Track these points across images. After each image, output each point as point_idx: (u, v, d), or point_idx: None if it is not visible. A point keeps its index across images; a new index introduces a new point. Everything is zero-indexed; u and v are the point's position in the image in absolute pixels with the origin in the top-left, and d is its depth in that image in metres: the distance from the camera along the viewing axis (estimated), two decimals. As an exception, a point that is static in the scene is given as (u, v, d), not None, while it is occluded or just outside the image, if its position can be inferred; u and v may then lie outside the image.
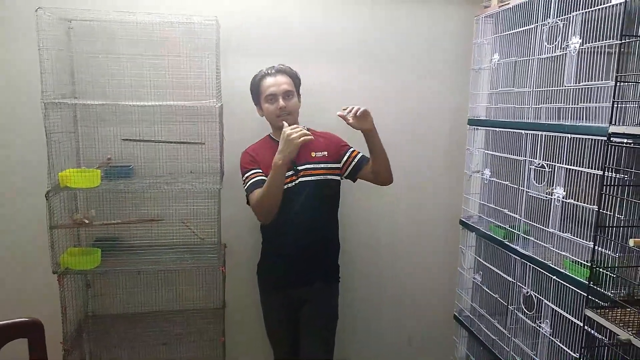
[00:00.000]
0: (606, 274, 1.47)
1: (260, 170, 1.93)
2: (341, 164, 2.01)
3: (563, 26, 1.70)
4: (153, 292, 2.26)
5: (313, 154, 1.97)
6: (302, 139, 1.79)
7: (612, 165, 1.41)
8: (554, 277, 1.72)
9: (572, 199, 1.67)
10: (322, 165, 1.96)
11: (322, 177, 1.95)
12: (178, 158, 2.19)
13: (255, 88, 1.98)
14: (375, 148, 1.93)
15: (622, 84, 1.38)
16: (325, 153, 1.98)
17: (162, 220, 2.17)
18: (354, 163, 2.01)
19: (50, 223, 1.87)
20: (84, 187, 1.89)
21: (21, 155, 2.12)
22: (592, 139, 1.56)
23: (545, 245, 1.82)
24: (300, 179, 1.93)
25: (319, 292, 2.00)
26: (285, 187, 1.89)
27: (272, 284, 2.06)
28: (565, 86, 1.70)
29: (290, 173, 1.92)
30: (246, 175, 1.94)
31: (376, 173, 1.98)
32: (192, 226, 2.19)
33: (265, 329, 2.12)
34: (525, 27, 1.92)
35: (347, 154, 2.02)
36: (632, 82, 1.40)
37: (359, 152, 2.04)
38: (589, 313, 1.46)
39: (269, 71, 1.95)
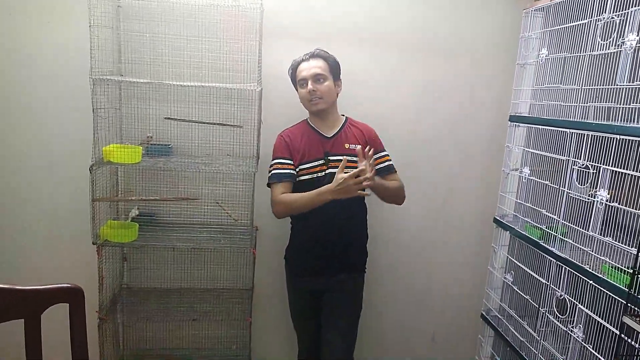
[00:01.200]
0: (648, 282, 1.41)
1: (289, 162, 1.95)
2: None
3: (619, 22, 1.63)
4: (185, 269, 2.33)
5: (347, 146, 1.96)
6: (358, 192, 1.78)
7: (664, 169, 1.35)
8: (591, 282, 1.67)
9: (616, 202, 1.61)
10: (354, 159, 1.92)
11: (351, 170, 1.93)
12: (215, 140, 2.22)
13: (293, 74, 2.00)
14: (381, 195, 1.98)
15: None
16: (359, 146, 1.94)
17: (198, 199, 2.22)
18: (378, 167, 2.00)
19: (93, 195, 1.93)
20: (126, 163, 1.95)
21: (68, 129, 2.19)
22: (642, 141, 1.50)
23: (583, 248, 1.76)
24: (330, 170, 1.93)
25: (343, 282, 2.00)
26: (315, 176, 1.93)
27: (297, 270, 2.08)
28: (617, 85, 1.63)
29: (320, 162, 1.94)
30: (275, 161, 1.97)
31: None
32: (226, 207, 2.23)
33: (290, 313, 2.16)
34: (578, 22, 1.85)
35: (377, 155, 2.00)
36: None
37: (387, 160, 2.05)
38: (627, 321, 1.42)
39: (305, 57, 1.96)
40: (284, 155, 1.98)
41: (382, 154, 2.04)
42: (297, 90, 2.01)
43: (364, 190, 1.78)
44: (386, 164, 2.04)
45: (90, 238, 1.98)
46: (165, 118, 2.17)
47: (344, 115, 2.07)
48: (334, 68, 1.98)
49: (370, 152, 1.79)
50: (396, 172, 2.06)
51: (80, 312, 1.40)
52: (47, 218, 2.27)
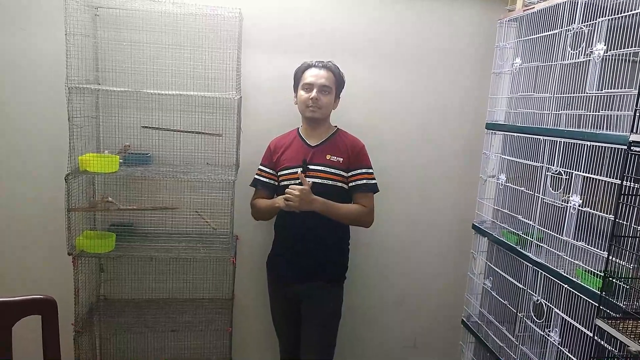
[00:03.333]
0: (619, 285, 1.45)
1: (269, 170, 2.05)
2: (348, 174, 1.97)
3: (588, 32, 1.68)
4: (164, 279, 2.30)
5: (328, 157, 1.96)
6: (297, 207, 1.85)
7: (632, 174, 1.38)
8: (566, 286, 1.70)
9: (588, 207, 1.65)
10: (333, 171, 1.94)
11: (329, 181, 1.94)
12: (195, 148, 2.21)
13: (298, 75, 2.00)
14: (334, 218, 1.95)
15: (645, 92, 1.36)
16: (341, 159, 1.96)
17: (177, 209, 2.20)
18: (353, 184, 1.97)
19: (68, 205, 1.91)
20: (103, 172, 1.93)
21: (43, 138, 2.16)
22: (611, 148, 1.54)
23: (558, 253, 1.80)
24: (307, 178, 1.94)
25: (318, 290, 2.00)
26: (293, 182, 1.95)
27: (276, 277, 2.10)
28: (587, 93, 1.68)
29: (299, 170, 1.95)
30: (259, 167, 2.10)
31: None
32: (206, 216, 2.22)
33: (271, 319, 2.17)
34: (549, 32, 1.90)
35: (356, 172, 1.97)
36: (656, 90, 1.37)
37: (366, 178, 1.97)
38: (599, 323, 1.44)
39: (317, 63, 1.97)
40: (265, 163, 2.08)
41: (360, 171, 1.97)
42: (295, 91, 2.02)
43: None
44: (360, 182, 1.97)
45: (65, 249, 1.95)
46: (142, 127, 2.16)
47: (335, 127, 2.07)
48: (339, 85, 2.01)
49: (302, 176, 1.87)
50: (372, 193, 1.99)
51: (53, 324, 1.37)
52: (21, 228, 2.22)
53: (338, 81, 1.99)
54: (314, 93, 1.92)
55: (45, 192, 2.18)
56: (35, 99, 2.13)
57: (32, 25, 2.08)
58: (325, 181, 1.93)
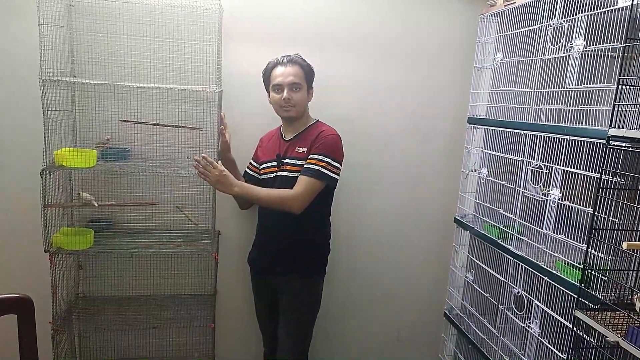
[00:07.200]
0: (597, 277, 1.47)
1: (254, 163, 2.12)
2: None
3: (568, 28, 1.70)
4: (144, 276, 2.25)
5: (298, 149, 1.93)
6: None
7: (610, 168, 1.41)
8: (546, 278, 1.73)
9: (567, 200, 1.68)
10: (300, 162, 1.89)
11: (296, 174, 1.88)
12: (175, 142, 2.17)
13: (267, 75, 1.96)
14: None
15: (623, 87, 1.38)
16: (305, 150, 1.90)
17: (157, 204, 2.16)
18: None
19: (44, 201, 1.85)
20: (79, 167, 1.88)
21: (17, 132, 2.09)
22: (590, 142, 1.56)
23: (538, 246, 1.82)
24: (280, 173, 1.94)
25: (293, 283, 1.99)
26: (269, 176, 1.99)
27: (253, 270, 2.15)
28: (567, 88, 1.70)
29: (274, 164, 1.97)
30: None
31: None
32: (187, 212, 2.18)
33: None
34: (530, 27, 1.92)
35: (309, 157, 1.88)
36: (634, 85, 1.39)
37: (312, 163, 1.85)
38: (578, 314, 1.47)
39: (282, 60, 1.91)
40: (253, 157, 2.16)
41: (311, 156, 1.87)
42: (267, 91, 1.99)
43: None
44: (305, 167, 1.86)
45: (42, 246, 1.90)
46: (120, 120, 2.11)
47: (316, 119, 2.03)
48: (309, 76, 1.95)
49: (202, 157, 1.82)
50: (309, 177, 1.83)
51: (29, 323, 1.34)
52: (-4, 226, 2.16)
53: (307, 73, 1.93)
54: (285, 93, 1.89)
55: (20, 188, 2.11)
56: (8, 91, 2.06)
57: (3, 14, 2.01)
58: (293, 174, 1.89)
